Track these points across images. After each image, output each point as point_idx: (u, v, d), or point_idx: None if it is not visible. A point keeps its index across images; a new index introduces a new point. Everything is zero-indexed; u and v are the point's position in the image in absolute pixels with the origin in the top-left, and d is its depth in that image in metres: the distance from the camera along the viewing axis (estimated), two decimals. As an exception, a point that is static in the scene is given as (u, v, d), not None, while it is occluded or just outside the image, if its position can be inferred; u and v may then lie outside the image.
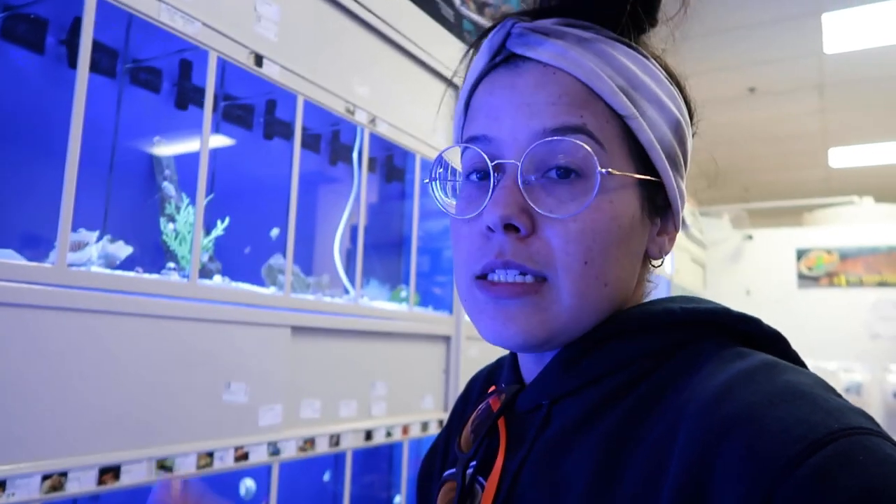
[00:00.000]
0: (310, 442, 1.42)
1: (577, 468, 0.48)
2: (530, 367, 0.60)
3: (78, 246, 1.06)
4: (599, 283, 0.51)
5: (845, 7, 3.90)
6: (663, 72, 0.57)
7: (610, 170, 0.51)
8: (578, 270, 0.51)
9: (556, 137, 0.50)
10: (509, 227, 0.51)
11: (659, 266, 0.61)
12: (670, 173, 0.54)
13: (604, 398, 0.51)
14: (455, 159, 0.61)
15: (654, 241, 0.57)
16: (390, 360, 1.70)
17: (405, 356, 1.76)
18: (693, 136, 0.60)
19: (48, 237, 1.01)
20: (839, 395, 0.42)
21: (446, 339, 1.93)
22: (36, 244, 1.09)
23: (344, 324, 1.53)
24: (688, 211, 4.94)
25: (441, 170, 0.60)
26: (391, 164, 1.96)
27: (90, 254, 1.08)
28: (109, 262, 1.11)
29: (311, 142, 1.69)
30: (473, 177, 0.56)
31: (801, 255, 5.18)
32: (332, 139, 1.70)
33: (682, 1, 0.58)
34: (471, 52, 0.60)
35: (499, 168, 0.53)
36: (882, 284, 4.92)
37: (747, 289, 5.33)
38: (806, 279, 5.15)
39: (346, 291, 1.67)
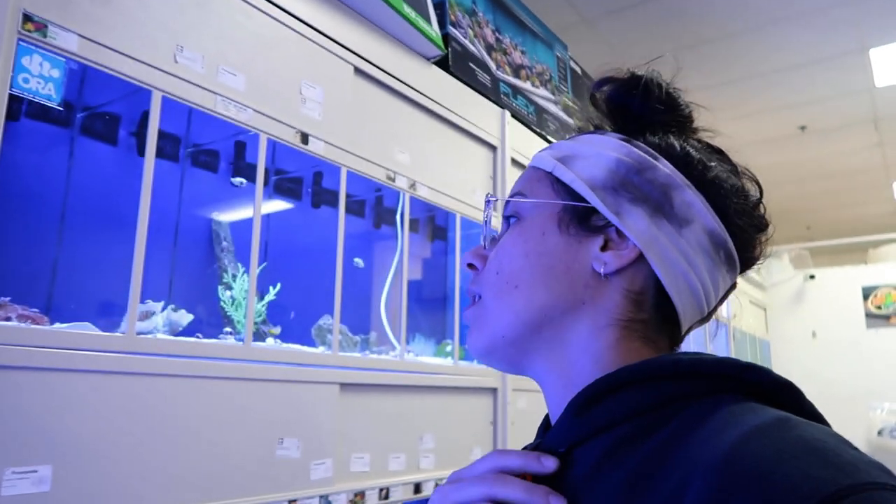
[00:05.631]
0: (360, 495, 1.48)
1: None
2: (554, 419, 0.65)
3: (145, 315, 1.18)
4: (510, 286, 0.63)
5: (892, 41, 3.86)
6: (626, 140, 0.65)
7: (515, 199, 0.67)
8: (492, 280, 0.65)
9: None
10: (471, 266, 0.70)
11: (605, 275, 0.62)
12: (598, 198, 0.62)
13: (615, 447, 0.53)
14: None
15: (598, 257, 0.62)
16: (438, 414, 1.75)
17: (452, 409, 1.81)
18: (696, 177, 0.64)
19: (120, 308, 1.13)
20: (855, 449, 0.42)
21: (493, 392, 1.97)
22: (109, 314, 1.22)
23: (390, 379, 1.60)
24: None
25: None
26: (433, 223, 2.05)
27: (156, 322, 1.20)
28: (173, 329, 1.22)
29: (356, 208, 1.80)
30: None
31: (867, 293, 4.98)
32: (375, 204, 1.81)
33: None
34: None
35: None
36: (957, 321, 4.67)
37: (813, 330, 5.13)
38: (875, 318, 4.92)
39: (394, 347, 1.75)
